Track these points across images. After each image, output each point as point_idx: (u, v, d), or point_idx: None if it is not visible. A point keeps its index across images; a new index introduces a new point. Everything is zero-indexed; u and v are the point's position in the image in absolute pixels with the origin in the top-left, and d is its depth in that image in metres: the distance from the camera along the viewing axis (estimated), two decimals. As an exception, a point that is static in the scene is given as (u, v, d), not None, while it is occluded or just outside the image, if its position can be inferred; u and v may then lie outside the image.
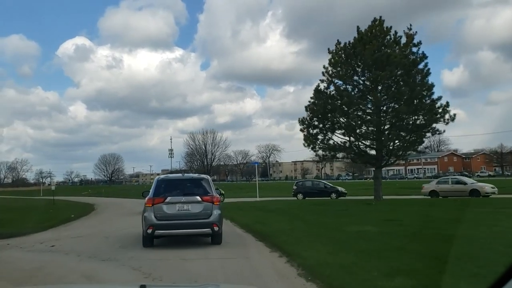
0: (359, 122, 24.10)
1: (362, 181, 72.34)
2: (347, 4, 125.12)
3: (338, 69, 24.31)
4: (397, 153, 24.37)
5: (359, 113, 24.31)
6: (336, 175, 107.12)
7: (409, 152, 25.56)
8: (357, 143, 24.84)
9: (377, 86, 23.83)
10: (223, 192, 29.33)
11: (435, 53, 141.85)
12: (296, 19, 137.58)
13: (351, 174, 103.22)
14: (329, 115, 24.26)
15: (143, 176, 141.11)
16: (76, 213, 20.79)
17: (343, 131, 24.48)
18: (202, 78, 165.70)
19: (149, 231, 9.12)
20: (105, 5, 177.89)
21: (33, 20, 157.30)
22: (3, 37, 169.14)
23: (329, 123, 24.57)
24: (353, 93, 24.57)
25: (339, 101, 24.04)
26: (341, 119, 24.23)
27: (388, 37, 23.70)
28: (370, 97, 24.12)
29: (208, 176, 10.73)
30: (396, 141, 24.22)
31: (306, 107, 25.03)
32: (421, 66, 23.36)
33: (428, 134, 24.54)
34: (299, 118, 25.21)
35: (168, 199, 9.30)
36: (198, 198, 9.38)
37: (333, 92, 24.63)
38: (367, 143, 24.92)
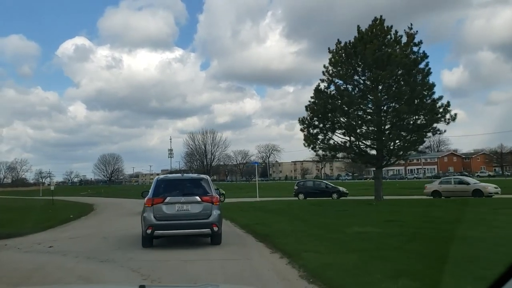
0: (359, 122, 24.00)
1: (362, 181, 72.26)
2: (347, 4, 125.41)
3: (339, 68, 24.21)
4: (397, 153, 24.25)
5: (359, 113, 24.21)
6: (336, 175, 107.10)
7: (410, 152, 25.44)
8: (357, 143, 24.73)
9: (377, 85, 23.72)
10: (224, 192, 29.52)
11: (435, 53, 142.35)
12: (296, 19, 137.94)
13: (351, 174, 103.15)
14: (330, 114, 24.16)
15: (142, 176, 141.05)
16: (75, 213, 20.72)
17: (343, 131, 24.37)
18: (202, 78, 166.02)
19: (149, 231, 9.08)
20: (104, 5, 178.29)
21: (33, 20, 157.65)
22: (3, 37, 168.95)
23: (330, 123, 24.46)
24: (353, 92, 24.46)
25: (339, 101, 23.94)
26: (341, 118, 24.13)
27: (389, 36, 23.59)
28: (370, 97, 23.99)
29: (207, 176, 10.70)
30: (397, 141, 24.09)
31: (306, 106, 24.94)
32: (422, 65, 23.25)
33: (429, 134, 24.41)
34: (299, 118, 25.14)
35: (168, 199, 9.25)
36: (198, 198, 9.34)
37: (333, 92, 24.54)
38: (368, 143, 24.82)
